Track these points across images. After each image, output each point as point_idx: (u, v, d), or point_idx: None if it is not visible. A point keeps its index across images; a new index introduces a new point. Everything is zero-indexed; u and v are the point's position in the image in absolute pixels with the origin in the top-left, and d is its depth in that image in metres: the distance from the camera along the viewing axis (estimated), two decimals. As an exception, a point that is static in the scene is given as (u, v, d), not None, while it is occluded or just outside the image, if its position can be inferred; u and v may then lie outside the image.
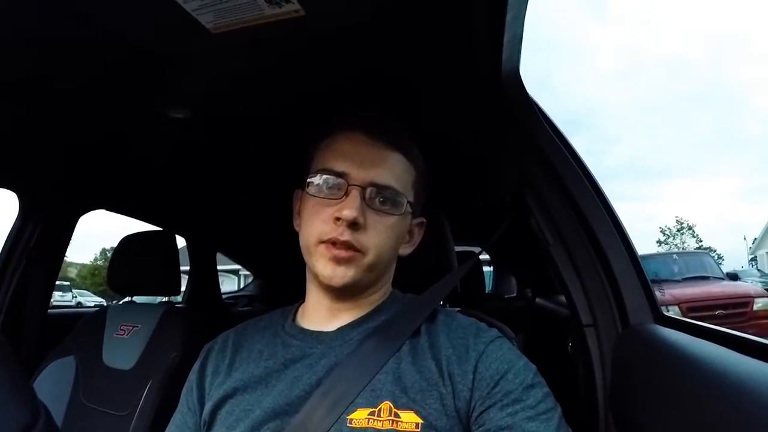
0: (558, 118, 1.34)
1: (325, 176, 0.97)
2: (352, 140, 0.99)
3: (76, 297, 24.94)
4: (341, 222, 0.91)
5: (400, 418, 0.84)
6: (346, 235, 0.91)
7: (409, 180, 1.02)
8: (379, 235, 0.95)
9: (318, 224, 0.94)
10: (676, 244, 45.89)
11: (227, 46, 1.04)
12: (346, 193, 0.94)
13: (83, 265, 45.14)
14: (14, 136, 1.58)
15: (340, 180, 0.96)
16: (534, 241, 1.36)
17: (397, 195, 0.98)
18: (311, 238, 0.95)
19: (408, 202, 1.00)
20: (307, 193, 0.99)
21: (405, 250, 1.07)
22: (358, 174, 0.95)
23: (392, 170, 0.99)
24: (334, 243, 0.92)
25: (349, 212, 0.91)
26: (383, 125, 1.01)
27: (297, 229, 1.05)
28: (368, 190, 0.95)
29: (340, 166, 0.96)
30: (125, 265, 1.98)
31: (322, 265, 0.94)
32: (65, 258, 2.30)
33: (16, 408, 0.43)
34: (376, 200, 0.96)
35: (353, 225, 0.92)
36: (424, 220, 1.12)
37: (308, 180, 0.99)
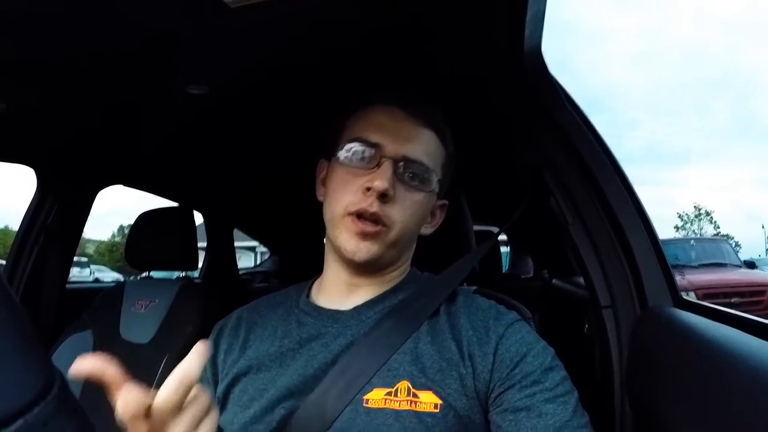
0: (576, 100, 1.32)
1: (358, 145, 0.96)
2: (388, 113, 0.99)
3: (93, 273, 25.20)
4: (371, 193, 0.91)
5: (418, 398, 0.84)
6: (375, 207, 0.91)
7: (439, 160, 1.02)
8: (406, 211, 0.95)
9: (346, 194, 0.94)
10: (693, 230, 45.71)
11: (246, 20, 1.03)
12: (378, 165, 0.94)
13: (101, 242, 45.66)
14: (32, 114, 1.58)
15: (373, 150, 0.95)
16: (553, 221, 1.35)
17: (428, 172, 0.98)
18: (338, 208, 0.94)
19: (438, 180, 1.00)
20: (338, 161, 0.98)
21: (426, 230, 1.07)
22: (392, 147, 0.95)
23: (425, 147, 0.99)
24: (360, 215, 0.92)
25: (380, 183, 0.90)
26: (420, 103, 1.01)
27: (320, 198, 1.05)
28: (400, 164, 0.95)
29: (374, 137, 0.96)
30: (143, 241, 2.00)
31: (346, 239, 0.93)
32: (83, 235, 2.32)
33: (27, 374, 0.43)
34: (407, 174, 0.96)
35: (383, 197, 0.91)
36: (446, 203, 1.12)
37: (340, 148, 0.98)
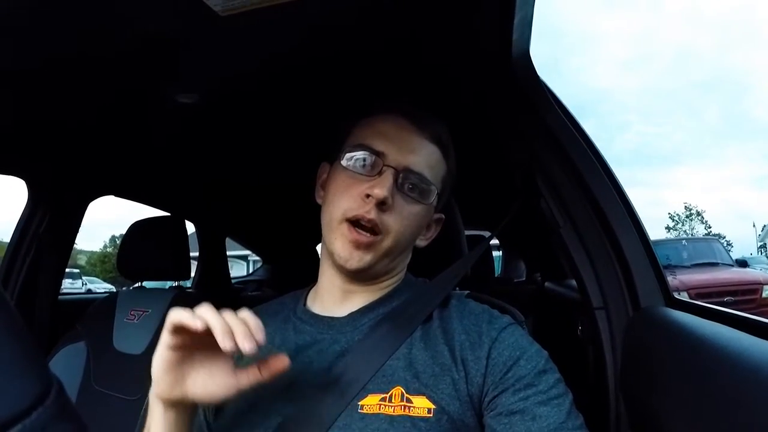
0: (565, 104, 1.33)
1: (361, 152, 0.97)
2: (395, 123, 0.99)
3: (86, 284, 25.10)
4: (371, 200, 0.91)
5: (412, 403, 0.84)
6: (372, 214, 0.91)
7: (440, 174, 1.03)
8: (403, 221, 0.95)
9: (346, 199, 0.94)
10: (685, 230, 45.86)
11: (236, 29, 1.04)
12: (380, 173, 0.94)
13: (93, 253, 45.47)
14: (22, 124, 1.58)
15: (376, 158, 0.96)
16: (544, 224, 1.36)
17: (428, 185, 0.98)
18: (336, 213, 0.95)
19: (437, 193, 1.01)
20: (340, 166, 0.98)
21: (421, 243, 1.07)
22: (395, 156, 0.95)
23: (428, 160, 0.99)
24: (357, 223, 0.92)
25: (380, 191, 0.90)
26: (427, 116, 1.02)
27: (319, 201, 1.05)
28: (402, 174, 0.95)
29: (379, 145, 0.96)
30: (135, 251, 1.99)
31: (340, 246, 0.94)
32: (75, 246, 2.31)
33: (25, 380, 0.43)
34: (407, 185, 0.96)
35: (381, 204, 0.91)
36: (443, 217, 1.12)
37: (343, 153, 0.98)
